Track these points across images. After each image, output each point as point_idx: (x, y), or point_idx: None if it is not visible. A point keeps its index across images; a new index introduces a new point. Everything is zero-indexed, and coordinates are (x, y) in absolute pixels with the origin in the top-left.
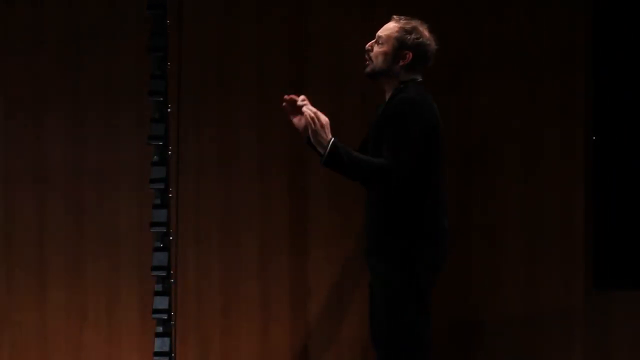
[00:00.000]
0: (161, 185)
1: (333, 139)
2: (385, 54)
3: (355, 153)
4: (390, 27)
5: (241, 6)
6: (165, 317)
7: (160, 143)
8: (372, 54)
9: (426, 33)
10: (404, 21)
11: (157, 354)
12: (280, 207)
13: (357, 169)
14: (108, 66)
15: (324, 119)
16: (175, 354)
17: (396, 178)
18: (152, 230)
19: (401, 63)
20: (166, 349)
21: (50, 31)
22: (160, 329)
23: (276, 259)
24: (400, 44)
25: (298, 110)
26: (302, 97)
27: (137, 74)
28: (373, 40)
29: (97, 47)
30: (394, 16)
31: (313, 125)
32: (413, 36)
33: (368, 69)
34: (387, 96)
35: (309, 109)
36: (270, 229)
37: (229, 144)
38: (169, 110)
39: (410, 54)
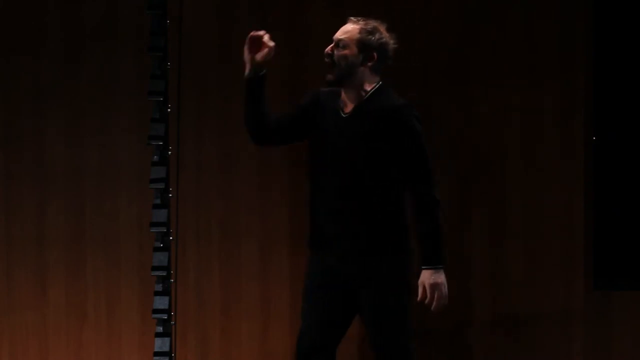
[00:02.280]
0: (161, 185)
1: (428, 270)
2: (349, 56)
3: (422, 232)
4: (350, 29)
5: (241, 6)
6: (165, 317)
7: (160, 143)
8: (334, 59)
9: (386, 32)
10: (363, 22)
11: (157, 354)
12: (280, 207)
13: (440, 224)
14: (108, 66)
15: (437, 295)
16: (175, 354)
17: (435, 182)
18: (152, 230)
19: (369, 64)
20: (166, 349)
21: (51, 31)
22: (160, 329)
23: (276, 259)
24: (364, 45)
25: (258, 45)
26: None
27: (137, 74)
28: (331, 45)
29: (97, 47)
30: (351, 18)
31: (444, 302)
32: (376, 36)
33: (332, 77)
34: (352, 99)
35: (437, 310)
36: (270, 228)
37: (229, 144)
38: (169, 110)
39: (376, 54)
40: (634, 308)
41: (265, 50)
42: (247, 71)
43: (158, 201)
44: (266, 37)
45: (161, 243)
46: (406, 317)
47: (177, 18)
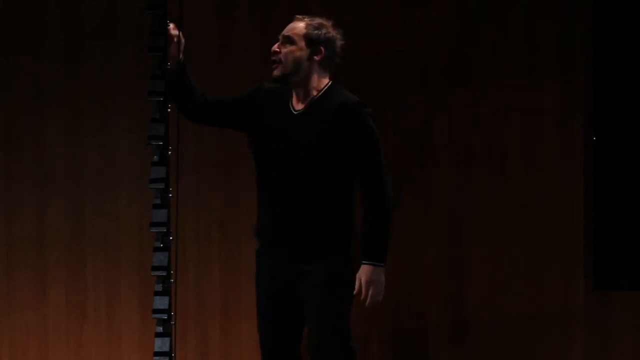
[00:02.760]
0: (161, 185)
1: (367, 265)
2: (297, 51)
3: (368, 227)
4: (296, 26)
5: (241, 6)
6: (165, 317)
7: (160, 143)
8: (281, 56)
9: (332, 29)
10: (308, 19)
11: (157, 354)
12: None
13: (387, 223)
14: (108, 66)
15: (371, 292)
16: (175, 354)
17: (386, 181)
18: (152, 230)
19: (316, 58)
20: (166, 349)
21: (51, 31)
22: (160, 329)
23: None
24: (311, 40)
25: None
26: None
27: (137, 74)
28: (277, 43)
29: (97, 47)
30: (296, 16)
31: (378, 298)
32: (323, 31)
33: (278, 72)
34: (302, 97)
35: (370, 305)
36: None
37: (229, 144)
38: (169, 110)
39: (323, 49)
40: (634, 308)
41: (173, 42)
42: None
43: (158, 201)
44: (171, 26)
45: (161, 243)
46: (346, 317)
47: (177, 18)
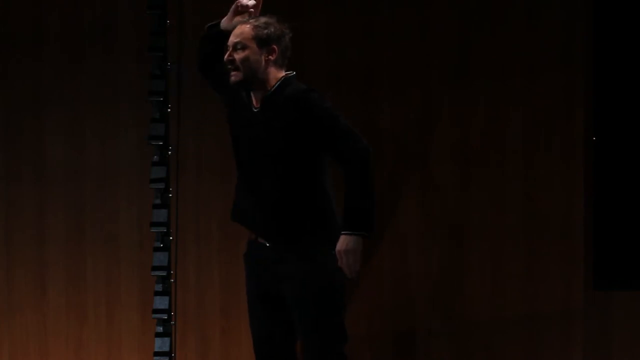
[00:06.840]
0: (161, 185)
1: (344, 235)
2: (251, 56)
3: (348, 199)
4: (243, 31)
5: None
6: (165, 317)
7: (160, 143)
8: (237, 63)
9: (278, 24)
10: (253, 20)
11: (157, 354)
12: None
13: (367, 190)
14: (108, 66)
15: (347, 261)
16: (175, 354)
17: (361, 147)
18: (152, 230)
19: (272, 58)
20: (166, 349)
21: (51, 31)
22: (160, 329)
23: None
24: (262, 41)
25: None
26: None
27: (137, 74)
28: (229, 51)
29: (97, 47)
30: (239, 19)
31: (355, 268)
32: (271, 29)
33: (237, 78)
34: (259, 95)
35: (350, 276)
36: None
37: (229, 144)
38: (169, 110)
39: (276, 47)
40: (634, 308)
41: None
42: (224, 22)
43: (158, 201)
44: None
45: (161, 243)
46: (339, 318)
47: (177, 18)
